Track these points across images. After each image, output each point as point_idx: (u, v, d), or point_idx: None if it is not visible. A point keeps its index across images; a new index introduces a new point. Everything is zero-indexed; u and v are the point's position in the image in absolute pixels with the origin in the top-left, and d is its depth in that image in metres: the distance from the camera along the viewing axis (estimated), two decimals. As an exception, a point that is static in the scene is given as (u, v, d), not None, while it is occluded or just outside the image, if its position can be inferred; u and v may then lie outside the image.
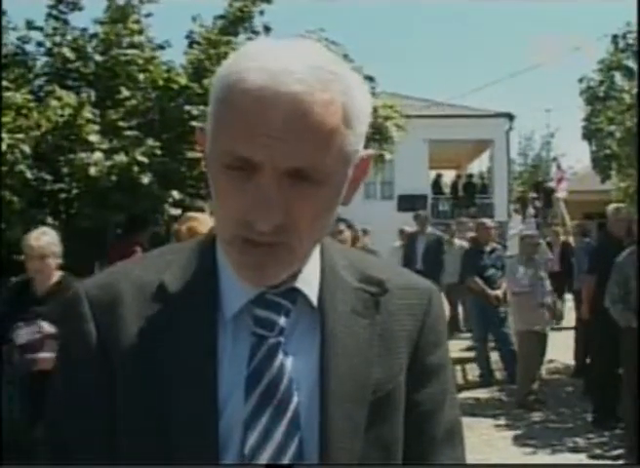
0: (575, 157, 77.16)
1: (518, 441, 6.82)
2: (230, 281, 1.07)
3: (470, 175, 30.22)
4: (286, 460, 1.01)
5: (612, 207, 7.65)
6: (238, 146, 0.94)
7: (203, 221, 4.23)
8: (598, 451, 6.42)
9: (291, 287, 1.07)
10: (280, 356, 1.05)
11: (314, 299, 1.09)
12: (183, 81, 7.10)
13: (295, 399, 1.03)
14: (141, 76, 7.16)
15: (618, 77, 11.70)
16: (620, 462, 6.08)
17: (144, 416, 1.02)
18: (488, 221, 9.75)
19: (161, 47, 7.81)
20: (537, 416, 7.65)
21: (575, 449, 6.51)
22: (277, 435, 1.02)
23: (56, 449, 1.07)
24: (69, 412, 1.06)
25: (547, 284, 8.06)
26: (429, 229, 9.05)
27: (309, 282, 1.09)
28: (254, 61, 0.95)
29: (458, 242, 10.61)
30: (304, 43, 1.01)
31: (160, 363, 1.03)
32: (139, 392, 1.03)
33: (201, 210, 5.84)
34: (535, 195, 23.89)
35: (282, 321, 1.06)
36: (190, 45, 7.81)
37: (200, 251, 1.12)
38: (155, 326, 1.05)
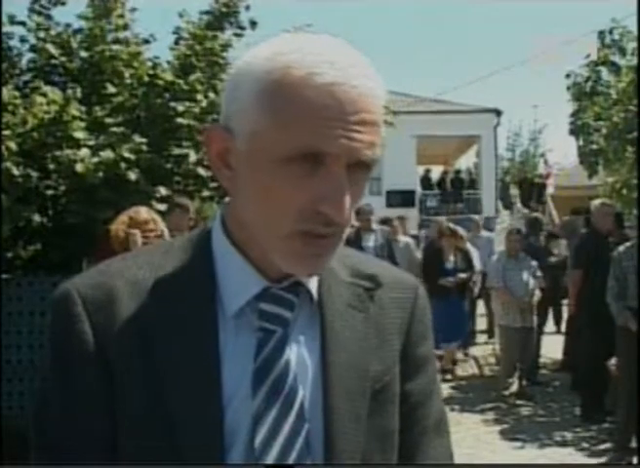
0: (562, 153, 77.47)
1: (506, 435, 6.85)
2: (231, 277, 1.07)
3: (458, 171, 30.30)
4: (295, 453, 1.03)
5: (596, 202, 7.67)
6: (315, 140, 0.94)
7: (136, 213, 4.24)
8: (586, 445, 6.46)
9: (295, 280, 1.08)
10: (287, 350, 1.06)
11: (315, 293, 1.10)
12: (169, 77, 7.07)
13: (300, 392, 1.05)
14: (127, 72, 7.12)
15: (604, 73, 11.72)
16: (608, 456, 6.11)
17: (147, 416, 1.01)
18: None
19: (146, 41, 7.77)
20: (524, 411, 7.69)
21: (562, 443, 6.55)
22: (286, 427, 1.03)
23: (53, 452, 1.05)
24: (67, 415, 1.04)
25: (531, 280, 8.07)
26: (375, 226, 8.85)
27: None
28: (316, 56, 0.96)
29: (402, 239, 10.35)
30: (336, 39, 1.02)
31: (160, 361, 1.02)
32: (139, 391, 1.02)
33: (186, 206, 5.83)
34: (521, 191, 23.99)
35: (288, 314, 1.07)
36: (177, 41, 7.77)
37: (194, 246, 1.12)
38: (153, 324, 1.04)
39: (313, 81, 0.94)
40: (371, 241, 8.74)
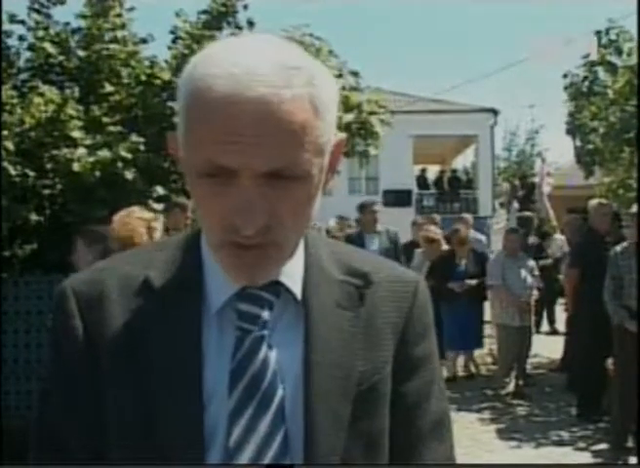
0: (558, 152, 77.54)
1: (502, 434, 6.86)
2: (215, 276, 1.08)
3: (455, 171, 30.30)
4: (271, 453, 1.02)
5: (594, 202, 7.68)
6: (213, 155, 0.94)
7: (130, 214, 4.24)
8: (582, 445, 6.47)
9: (273, 280, 1.07)
10: (264, 349, 1.06)
11: (298, 293, 1.10)
12: (167, 76, 7.06)
13: (279, 392, 1.05)
14: (124, 71, 7.12)
15: (601, 73, 11.73)
16: (605, 456, 6.12)
17: (132, 411, 1.03)
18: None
19: (144, 41, 7.76)
20: (521, 410, 7.69)
21: (559, 443, 6.55)
22: (262, 428, 1.03)
23: (47, 446, 1.07)
24: (59, 409, 1.06)
25: (529, 279, 8.08)
26: (380, 227, 8.32)
27: (292, 275, 1.10)
28: (217, 68, 0.94)
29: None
30: (264, 40, 1.00)
31: (146, 358, 1.04)
32: (125, 387, 1.03)
33: (183, 205, 5.83)
34: (520, 191, 23.95)
35: (265, 314, 1.07)
36: (174, 40, 7.77)
37: (185, 246, 1.13)
38: (141, 321, 1.06)
39: (211, 93, 0.93)
40: (374, 244, 7.84)
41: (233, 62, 0.94)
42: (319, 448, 1.04)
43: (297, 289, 1.10)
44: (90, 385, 1.05)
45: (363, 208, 7.88)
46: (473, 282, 8.57)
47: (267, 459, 1.02)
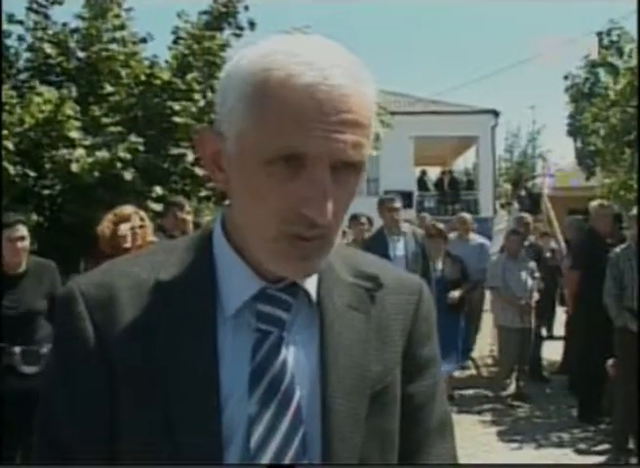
0: (560, 154, 77.61)
1: (503, 436, 6.84)
2: (230, 277, 1.08)
3: (456, 172, 30.30)
4: (291, 453, 1.03)
5: (595, 203, 7.67)
6: (294, 141, 0.94)
7: (120, 210, 4.27)
8: (583, 446, 6.45)
9: (292, 281, 1.07)
10: (283, 351, 1.06)
11: (314, 294, 1.10)
12: (166, 77, 7.07)
13: (297, 393, 1.05)
14: (123, 72, 7.13)
15: (602, 74, 11.75)
16: (605, 457, 6.11)
17: (146, 415, 1.01)
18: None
19: (143, 40, 7.77)
20: (522, 412, 7.68)
21: (560, 444, 6.53)
22: (282, 428, 1.03)
23: (55, 450, 1.05)
24: (68, 412, 1.04)
25: (530, 281, 8.06)
26: (406, 227, 7.60)
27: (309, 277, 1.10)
28: (297, 57, 0.95)
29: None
30: (322, 39, 1.02)
31: (159, 360, 1.02)
32: (139, 390, 1.02)
33: (183, 206, 5.82)
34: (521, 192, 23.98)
35: (284, 316, 1.07)
36: (175, 41, 7.78)
37: (196, 247, 1.12)
38: (153, 323, 1.04)
39: (292, 82, 0.94)
40: (399, 248, 6.66)
41: (314, 54, 0.96)
42: (336, 449, 1.05)
43: (312, 290, 1.10)
44: (100, 388, 1.03)
45: (381, 205, 6.84)
46: (457, 294, 7.69)
47: (287, 459, 1.02)
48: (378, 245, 6.44)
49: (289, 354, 1.07)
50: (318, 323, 1.09)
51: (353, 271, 1.16)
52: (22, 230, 4.27)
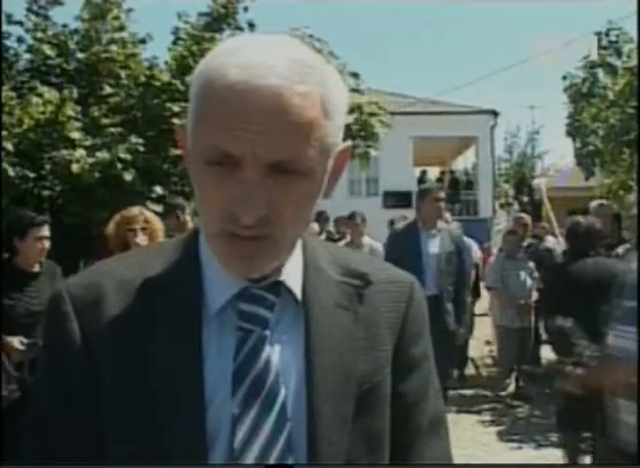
0: (559, 154, 77.50)
1: (502, 436, 6.84)
2: (214, 276, 1.08)
3: (455, 172, 30.28)
4: (276, 453, 1.02)
5: (594, 203, 7.67)
6: (220, 141, 0.94)
7: (127, 211, 4.29)
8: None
9: (274, 280, 1.07)
10: (266, 349, 1.05)
11: (298, 293, 1.10)
12: (166, 78, 7.08)
13: (282, 392, 1.04)
14: (123, 73, 7.13)
15: (601, 74, 11.75)
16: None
17: (131, 414, 1.02)
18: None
19: (143, 41, 7.78)
20: (521, 412, 7.68)
21: (559, 445, 6.53)
22: (266, 428, 1.02)
23: (42, 450, 1.06)
24: (57, 413, 1.05)
25: (528, 281, 8.07)
26: (443, 223, 7.00)
27: (292, 275, 1.10)
28: (232, 57, 0.95)
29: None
30: (282, 38, 1.01)
31: (145, 360, 1.03)
32: (124, 390, 1.02)
33: (181, 206, 5.82)
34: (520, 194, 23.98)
35: (267, 314, 1.07)
36: (175, 42, 7.78)
37: (183, 247, 1.13)
38: (139, 323, 1.05)
39: (222, 83, 0.94)
40: (434, 245, 6.02)
41: (250, 54, 0.95)
42: (322, 448, 1.04)
43: (297, 289, 1.10)
44: (87, 388, 1.04)
45: (423, 194, 6.09)
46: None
47: (272, 459, 1.02)
48: (408, 239, 5.98)
49: (274, 353, 1.06)
50: (304, 321, 1.09)
51: (342, 269, 1.16)
52: (47, 230, 4.51)
